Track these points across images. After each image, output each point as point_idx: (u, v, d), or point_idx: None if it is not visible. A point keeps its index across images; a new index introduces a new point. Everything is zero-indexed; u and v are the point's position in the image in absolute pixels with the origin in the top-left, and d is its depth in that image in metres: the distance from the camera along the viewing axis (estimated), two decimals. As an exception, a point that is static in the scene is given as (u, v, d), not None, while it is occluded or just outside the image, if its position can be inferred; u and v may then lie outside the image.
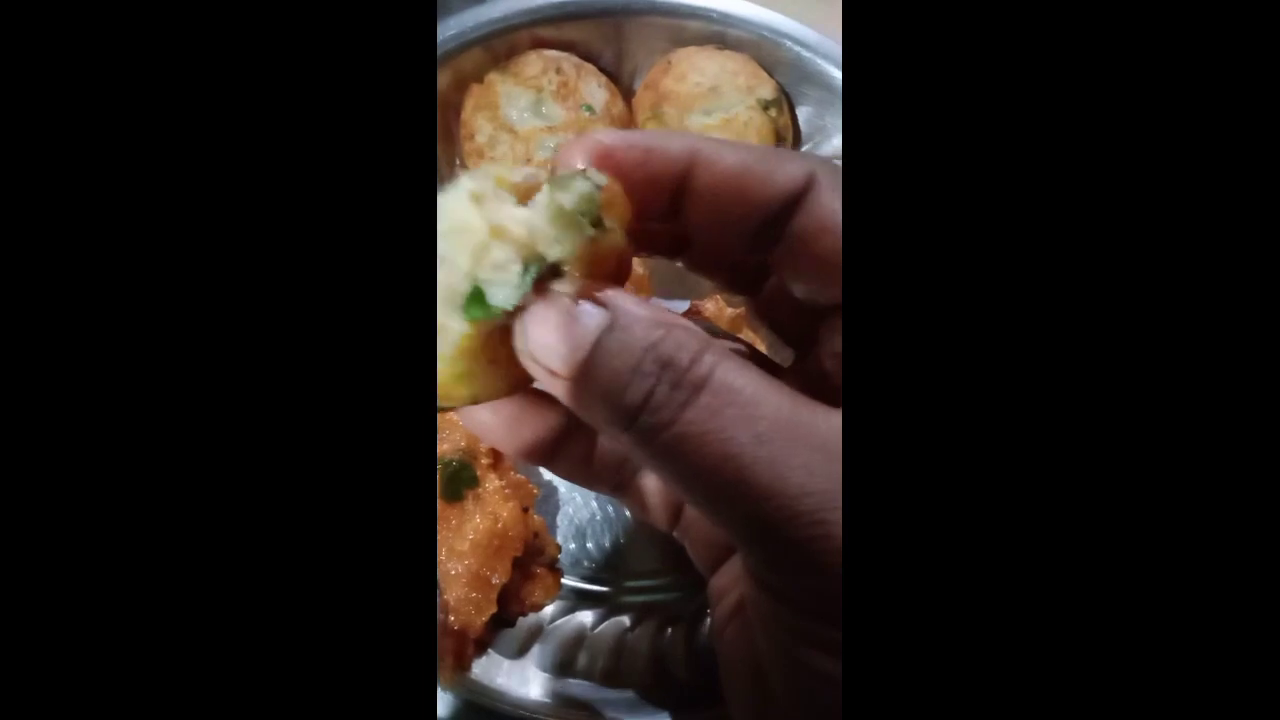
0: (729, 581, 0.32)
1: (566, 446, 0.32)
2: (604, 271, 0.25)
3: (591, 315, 0.24)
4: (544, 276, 0.24)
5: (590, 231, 0.25)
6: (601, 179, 0.25)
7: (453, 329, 0.24)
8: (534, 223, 0.24)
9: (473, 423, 0.31)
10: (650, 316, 0.24)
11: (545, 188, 0.25)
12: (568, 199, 0.24)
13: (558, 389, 0.25)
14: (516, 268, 0.24)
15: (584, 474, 0.33)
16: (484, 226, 0.24)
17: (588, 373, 0.24)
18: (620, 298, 0.24)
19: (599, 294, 0.24)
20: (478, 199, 0.24)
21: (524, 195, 0.25)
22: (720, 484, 0.23)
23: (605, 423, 0.24)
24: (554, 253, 0.24)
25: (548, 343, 0.24)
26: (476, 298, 0.24)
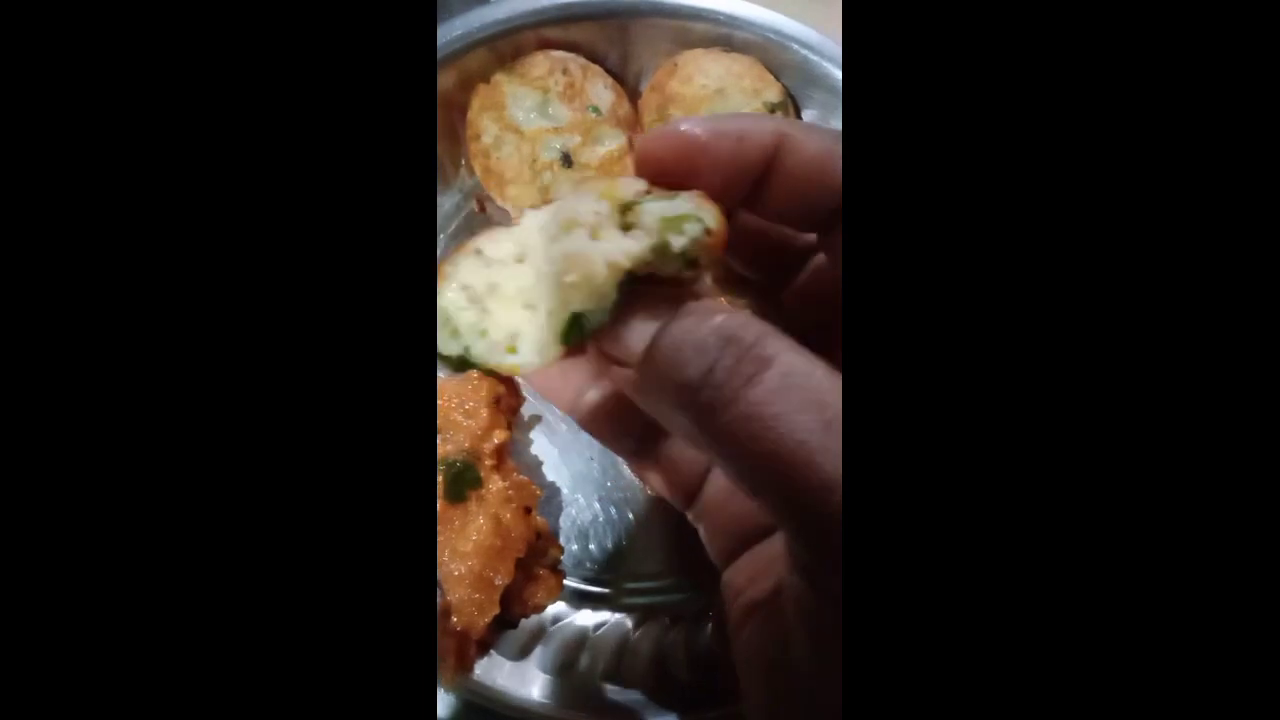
0: (747, 578, 0.31)
1: (601, 400, 0.32)
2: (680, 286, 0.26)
3: (657, 308, 0.25)
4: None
5: (686, 272, 0.25)
6: (712, 221, 0.25)
7: (539, 347, 0.25)
8: (638, 255, 0.24)
9: (530, 378, 0.33)
10: (713, 306, 0.24)
11: (657, 221, 0.25)
12: (678, 241, 0.25)
13: (625, 381, 0.25)
14: (615, 297, 0.25)
15: (609, 429, 0.33)
16: (602, 266, 0.24)
17: (652, 355, 0.24)
18: (690, 298, 0.25)
19: (668, 294, 0.25)
20: (595, 232, 0.24)
21: (626, 214, 0.25)
22: (783, 469, 0.22)
23: (668, 405, 0.24)
24: (645, 271, 0.25)
25: (618, 335, 0.25)
26: (574, 325, 0.25)
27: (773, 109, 0.62)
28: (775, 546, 0.31)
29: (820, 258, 0.32)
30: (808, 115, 0.66)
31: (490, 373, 0.26)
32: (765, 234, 0.31)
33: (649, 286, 0.25)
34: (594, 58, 0.64)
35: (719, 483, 0.33)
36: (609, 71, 0.65)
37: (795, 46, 0.63)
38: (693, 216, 0.25)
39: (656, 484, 0.34)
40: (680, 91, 0.62)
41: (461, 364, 0.27)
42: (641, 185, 0.25)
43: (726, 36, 0.64)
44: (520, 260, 0.26)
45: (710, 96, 0.61)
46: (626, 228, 0.25)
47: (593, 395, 0.32)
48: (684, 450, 0.33)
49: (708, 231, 0.25)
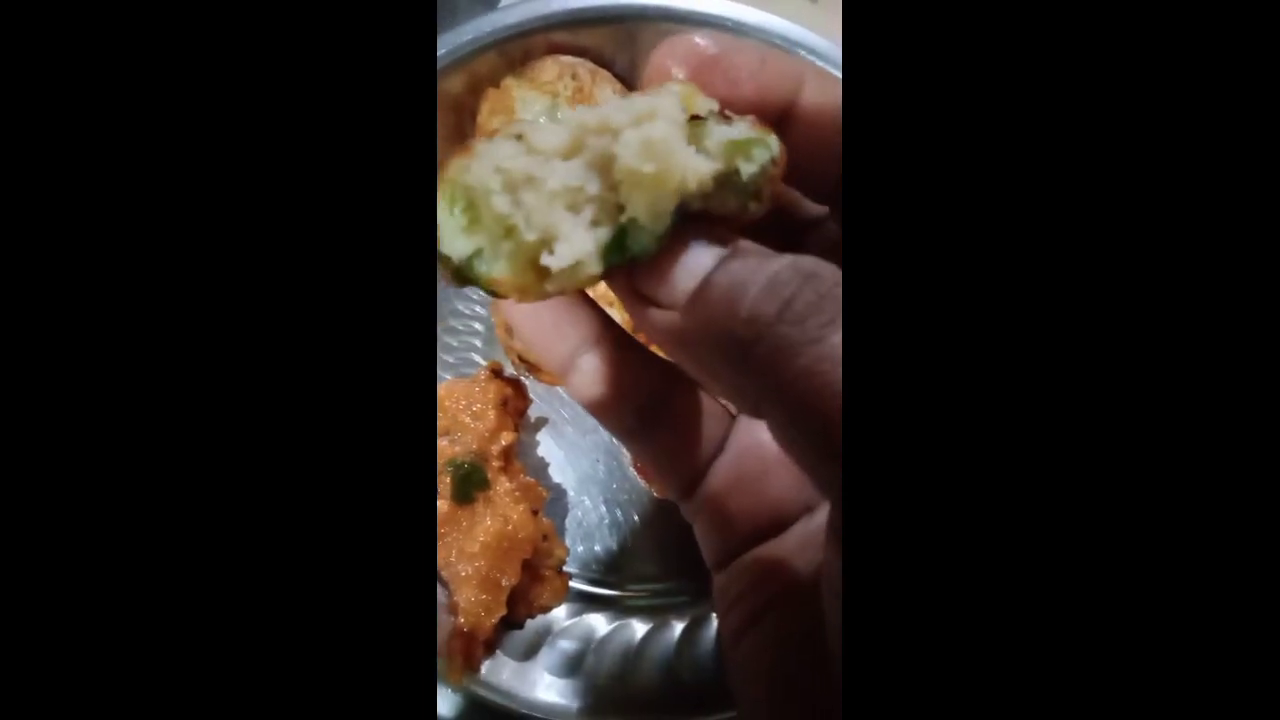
0: (748, 582, 0.29)
1: (597, 367, 0.28)
2: (727, 228, 0.23)
3: (709, 245, 0.22)
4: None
5: (751, 205, 0.23)
6: (777, 149, 0.23)
7: (578, 256, 0.22)
8: (705, 178, 0.22)
9: (516, 320, 0.29)
10: (771, 250, 0.22)
11: (722, 145, 0.22)
12: (747, 169, 0.22)
13: (663, 327, 0.23)
14: (669, 222, 0.22)
15: (606, 400, 0.29)
16: (681, 167, 0.21)
17: (705, 291, 0.21)
18: (740, 239, 0.22)
19: (718, 234, 0.22)
20: (676, 128, 0.21)
21: (692, 130, 0.22)
22: None
23: (721, 350, 0.21)
24: (700, 205, 0.22)
25: (659, 273, 0.22)
26: (619, 240, 0.22)
27: (780, 114, 0.62)
28: (783, 546, 0.29)
29: (831, 227, 0.29)
30: (814, 120, 0.67)
31: (490, 291, 0.23)
32: (779, 194, 0.27)
33: (697, 225, 0.22)
34: (602, 62, 0.65)
35: (724, 473, 0.30)
36: (617, 76, 0.65)
37: (801, 52, 0.63)
38: (761, 142, 0.22)
39: (649, 467, 0.31)
40: (688, 96, 0.62)
41: (460, 276, 0.23)
42: (713, 104, 0.22)
43: (734, 42, 0.64)
44: (566, 157, 0.22)
45: (718, 101, 0.62)
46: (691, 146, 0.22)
47: (590, 360, 0.28)
48: (688, 432, 0.30)
49: (773, 160, 0.22)
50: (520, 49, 0.63)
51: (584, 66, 0.63)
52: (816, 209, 0.29)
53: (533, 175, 0.22)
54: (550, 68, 0.63)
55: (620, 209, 0.22)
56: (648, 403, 0.29)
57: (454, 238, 0.22)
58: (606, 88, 0.64)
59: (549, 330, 0.29)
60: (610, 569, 0.60)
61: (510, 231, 0.22)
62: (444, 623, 0.53)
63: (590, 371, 0.28)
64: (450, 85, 0.63)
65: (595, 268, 0.22)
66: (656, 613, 0.57)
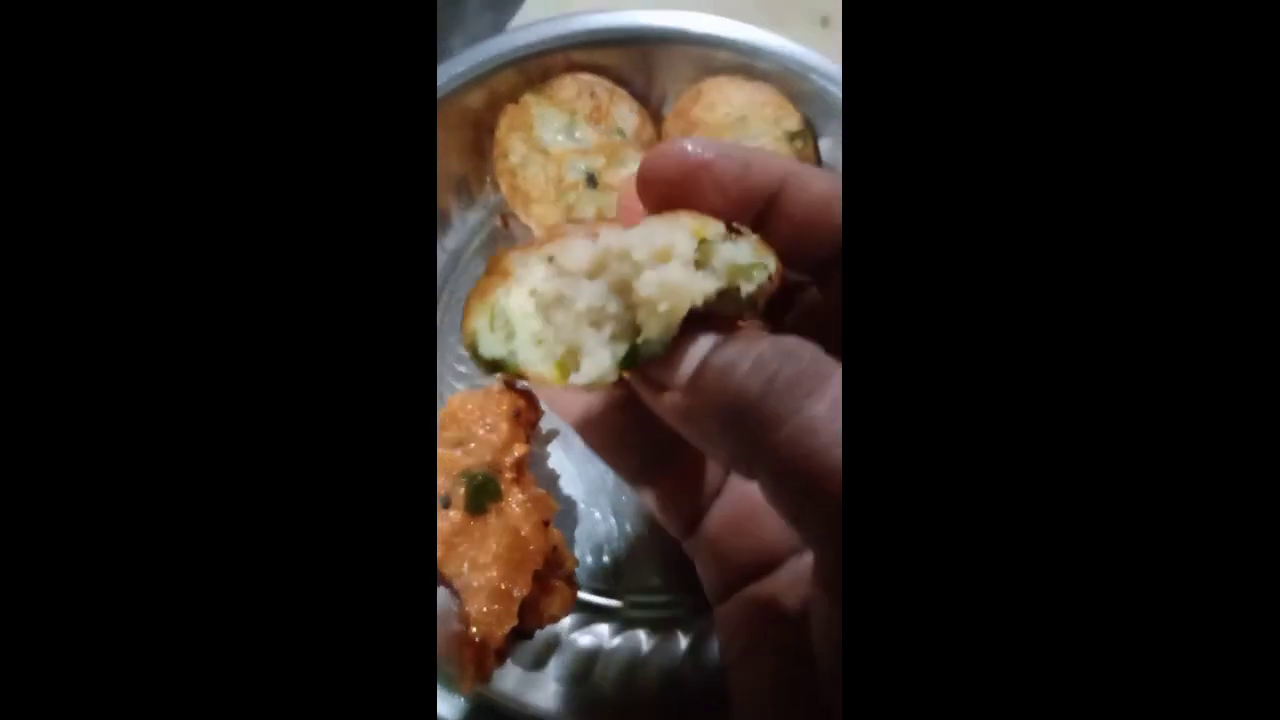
0: (745, 615, 0.31)
1: (608, 415, 0.31)
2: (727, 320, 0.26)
3: (707, 334, 0.25)
4: None
5: (746, 313, 0.26)
6: (774, 267, 0.26)
7: (600, 368, 0.25)
8: (710, 294, 0.24)
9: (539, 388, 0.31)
10: (759, 333, 0.24)
11: (727, 265, 0.25)
12: (747, 288, 0.25)
13: (668, 405, 0.25)
14: (677, 329, 0.24)
15: (614, 445, 0.32)
16: (691, 300, 0.24)
17: (703, 374, 0.24)
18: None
19: (716, 325, 0.25)
20: (687, 265, 0.24)
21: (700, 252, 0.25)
22: (839, 486, 0.21)
23: (718, 423, 0.24)
24: (704, 309, 0.25)
25: (665, 362, 0.25)
26: (633, 352, 0.25)
27: (792, 137, 0.64)
28: (777, 583, 0.31)
29: (812, 293, 0.32)
30: (824, 144, 0.68)
31: (518, 376, 0.26)
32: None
33: (700, 321, 0.25)
34: (620, 82, 0.66)
35: (723, 514, 0.32)
36: (634, 95, 0.66)
37: (814, 77, 0.65)
38: (760, 264, 0.25)
39: (656, 509, 0.34)
40: (703, 118, 0.63)
41: (495, 366, 0.26)
42: (720, 227, 0.25)
43: (748, 65, 0.65)
44: (593, 276, 0.25)
45: (733, 124, 0.63)
46: (697, 266, 0.25)
47: (600, 409, 0.31)
48: (689, 478, 0.32)
49: (770, 278, 0.25)
50: (539, 67, 0.64)
51: (602, 85, 0.65)
52: (796, 277, 0.32)
53: (563, 295, 0.25)
54: (569, 86, 0.64)
55: (636, 328, 0.25)
56: (652, 450, 0.32)
57: (492, 343, 0.26)
58: (623, 106, 0.65)
59: (565, 390, 0.31)
60: (617, 581, 0.60)
61: (541, 342, 0.26)
62: (456, 632, 0.53)
63: (599, 422, 0.31)
64: (470, 101, 0.64)
65: (612, 376, 0.25)
66: (663, 624, 0.58)
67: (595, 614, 0.59)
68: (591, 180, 0.62)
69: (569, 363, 0.25)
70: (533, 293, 0.26)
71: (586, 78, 0.64)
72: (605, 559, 0.61)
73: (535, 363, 0.25)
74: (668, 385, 0.25)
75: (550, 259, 0.26)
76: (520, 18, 0.77)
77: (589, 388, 0.25)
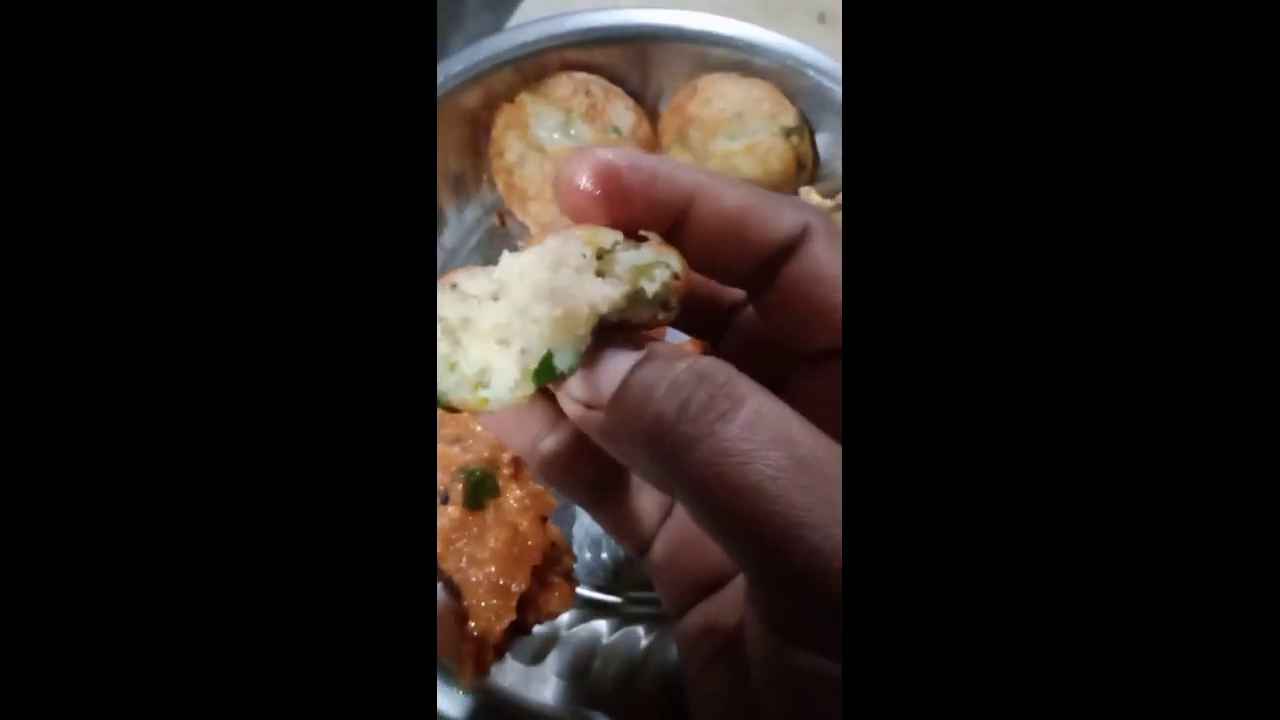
0: (699, 631, 0.31)
1: (553, 447, 0.32)
2: (646, 330, 0.27)
3: (626, 352, 0.25)
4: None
5: (660, 315, 0.26)
6: (677, 265, 0.26)
7: (510, 384, 0.25)
8: (615, 300, 0.25)
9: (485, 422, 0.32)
10: (679, 351, 0.25)
11: (628, 270, 0.26)
12: (650, 287, 0.26)
13: (593, 424, 0.26)
14: (589, 341, 0.25)
15: (565, 477, 0.32)
16: (587, 304, 0.25)
17: (623, 394, 0.24)
18: (654, 343, 0.26)
19: (635, 340, 0.26)
20: (580, 275, 0.25)
21: (600, 262, 0.26)
22: (752, 506, 0.22)
23: (637, 444, 0.24)
24: (617, 318, 0.26)
25: (587, 380, 0.25)
26: (547, 365, 0.25)
27: (789, 133, 0.64)
28: (725, 600, 0.31)
29: (749, 312, 0.32)
30: (821, 139, 0.68)
31: (451, 409, 0.26)
32: (694, 288, 0.30)
33: (617, 333, 0.26)
34: (615, 80, 0.66)
35: (671, 535, 0.32)
36: (630, 93, 0.66)
37: (810, 73, 0.65)
38: (661, 263, 0.26)
39: (611, 532, 0.34)
40: (700, 114, 0.63)
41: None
42: (617, 236, 0.26)
43: (744, 61, 0.65)
44: (496, 298, 0.26)
45: (729, 120, 0.63)
46: (600, 274, 0.26)
47: (549, 443, 0.31)
48: (638, 501, 0.33)
49: (675, 276, 0.26)
50: (536, 66, 0.64)
51: (597, 84, 0.65)
52: (735, 293, 0.32)
53: (467, 318, 0.26)
54: (564, 84, 0.64)
55: (545, 338, 0.26)
56: (600, 478, 0.32)
57: None
58: (619, 104, 0.65)
59: (510, 423, 0.32)
60: (615, 576, 0.61)
61: (454, 367, 0.26)
62: (455, 628, 0.54)
63: (548, 454, 0.32)
64: (466, 100, 0.64)
65: (528, 388, 0.26)
66: (662, 620, 0.58)
67: (594, 609, 0.59)
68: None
69: (482, 389, 0.26)
70: (438, 319, 0.26)
71: (582, 76, 0.65)
72: (604, 555, 0.61)
73: (453, 389, 0.26)
74: (590, 404, 0.26)
75: (454, 286, 0.27)
76: (518, 17, 0.77)
77: (510, 405, 0.26)
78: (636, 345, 0.25)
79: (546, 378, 0.25)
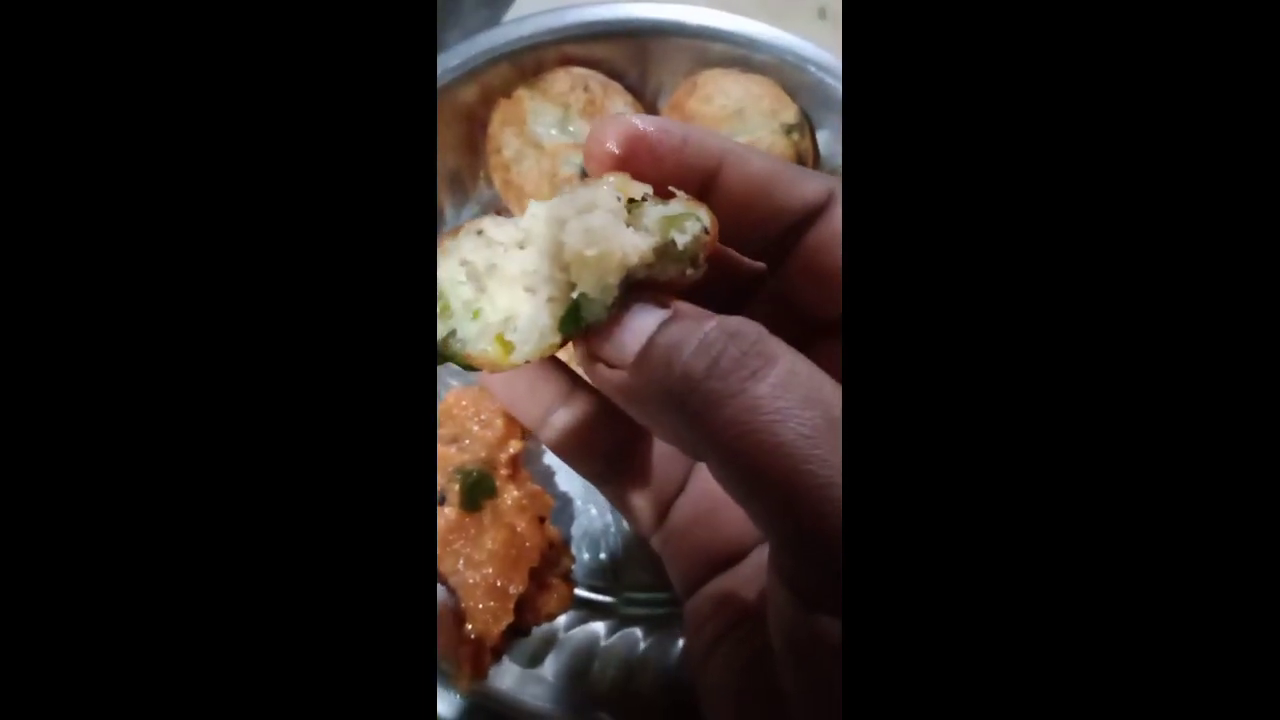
0: (712, 607, 0.31)
1: (568, 418, 0.32)
2: (671, 291, 0.26)
3: (652, 310, 0.25)
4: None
5: (688, 271, 0.26)
6: (708, 220, 0.26)
7: (537, 332, 0.25)
8: (645, 252, 0.25)
9: (493, 386, 0.33)
10: (705, 311, 0.24)
11: (658, 221, 0.25)
12: (681, 239, 0.25)
13: (615, 384, 0.25)
14: (616, 293, 0.25)
15: (577, 450, 0.32)
16: (620, 247, 0.24)
17: (649, 352, 0.24)
18: (679, 302, 0.25)
19: (660, 300, 0.25)
20: (614, 215, 0.24)
21: (630, 213, 0.25)
22: (783, 465, 0.21)
23: (662, 403, 0.24)
24: (644, 274, 0.25)
25: (611, 337, 0.25)
26: (573, 314, 0.25)
27: (789, 130, 0.63)
28: (740, 575, 0.31)
29: (766, 290, 0.32)
30: (821, 136, 0.67)
31: (468, 367, 0.25)
32: (718, 255, 0.31)
33: (643, 291, 0.25)
34: (614, 75, 0.65)
35: (685, 510, 0.32)
36: (628, 89, 0.66)
37: (811, 69, 0.64)
38: (691, 215, 0.25)
39: (621, 508, 0.34)
40: (700, 111, 0.63)
41: (443, 356, 0.26)
42: (647, 188, 0.25)
43: (744, 57, 0.65)
44: (522, 246, 0.26)
45: (729, 116, 0.62)
46: (629, 227, 0.25)
47: (563, 415, 0.32)
48: (651, 475, 0.33)
49: (705, 230, 0.25)
50: (533, 60, 0.64)
51: (596, 79, 0.64)
52: (756, 266, 0.32)
53: (494, 263, 0.26)
54: (563, 79, 0.63)
55: (572, 286, 0.25)
56: (613, 451, 0.32)
57: None
58: (618, 100, 0.64)
59: (523, 392, 0.32)
60: (614, 578, 0.60)
61: (477, 314, 0.26)
62: (453, 630, 0.53)
63: (561, 426, 0.32)
64: (463, 95, 0.63)
65: (554, 338, 0.25)
66: (660, 621, 0.58)
67: (592, 611, 0.59)
68: (585, 175, 0.62)
69: (509, 334, 0.25)
70: (463, 262, 0.26)
71: (580, 71, 0.64)
72: (602, 556, 0.61)
73: (475, 339, 0.25)
74: (614, 363, 0.25)
75: (480, 232, 0.26)
76: (515, 11, 0.76)
77: (535, 355, 0.25)
78: (662, 304, 0.25)
79: (572, 326, 0.25)
